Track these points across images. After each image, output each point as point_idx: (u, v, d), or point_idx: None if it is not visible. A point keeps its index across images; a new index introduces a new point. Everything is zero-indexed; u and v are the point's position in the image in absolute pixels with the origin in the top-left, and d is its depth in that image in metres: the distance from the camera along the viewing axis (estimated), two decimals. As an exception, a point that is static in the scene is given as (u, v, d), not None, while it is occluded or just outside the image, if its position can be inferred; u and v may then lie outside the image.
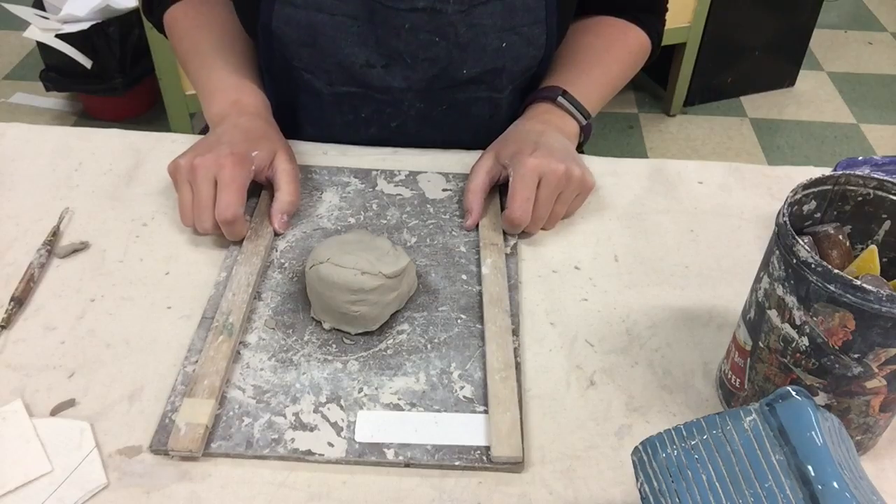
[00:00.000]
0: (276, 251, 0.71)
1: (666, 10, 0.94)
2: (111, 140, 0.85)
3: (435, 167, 0.81)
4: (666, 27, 0.94)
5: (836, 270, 0.46)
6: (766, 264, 0.53)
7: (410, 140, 0.85)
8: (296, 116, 0.88)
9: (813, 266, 0.47)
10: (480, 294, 0.67)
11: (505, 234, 0.73)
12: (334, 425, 0.57)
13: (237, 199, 0.69)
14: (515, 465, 0.54)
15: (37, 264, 0.68)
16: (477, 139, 0.83)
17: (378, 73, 0.79)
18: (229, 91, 0.79)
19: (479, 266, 0.70)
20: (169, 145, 0.84)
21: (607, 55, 0.86)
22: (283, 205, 0.73)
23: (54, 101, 2.34)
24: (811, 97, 2.54)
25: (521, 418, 0.56)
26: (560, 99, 0.79)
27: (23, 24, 2.06)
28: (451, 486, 0.54)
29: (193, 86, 0.83)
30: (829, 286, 0.47)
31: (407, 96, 0.82)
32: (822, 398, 0.51)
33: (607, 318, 0.66)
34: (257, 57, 0.85)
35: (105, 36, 2.07)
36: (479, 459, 0.55)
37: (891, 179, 0.53)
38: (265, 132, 0.76)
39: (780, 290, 0.50)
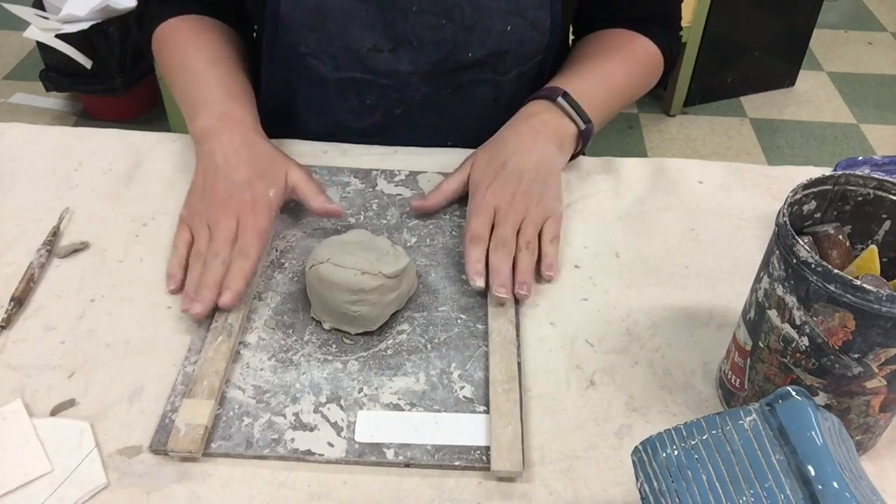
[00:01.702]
0: (276, 251, 0.71)
1: (680, 26, 0.92)
2: (111, 140, 0.84)
3: (435, 167, 0.81)
4: (665, 27, 0.93)
5: (836, 270, 0.46)
6: (766, 264, 0.53)
7: (415, 127, 0.86)
8: (298, 108, 0.88)
9: (813, 266, 0.47)
10: (481, 294, 0.67)
11: None
12: (334, 425, 0.57)
13: (246, 277, 0.65)
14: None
15: (37, 264, 0.68)
16: (480, 124, 0.83)
17: (385, 57, 0.80)
18: (216, 104, 0.76)
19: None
20: (169, 145, 0.84)
21: (611, 62, 0.85)
22: (325, 204, 0.72)
23: (54, 101, 2.34)
24: (811, 97, 2.54)
25: (521, 431, 0.56)
26: (560, 99, 0.78)
27: (23, 24, 2.06)
28: (451, 486, 0.54)
29: (179, 101, 0.80)
30: (829, 286, 0.47)
31: (412, 80, 0.82)
32: (822, 398, 0.51)
33: (607, 318, 0.66)
34: (250, 75, 0.84)
35: (105, 36, 2.07)
36: (479, 459, 0.55)
37: (891, 179, 0.53)
38: (266, 152, 0.74)
39: (780, 290, 0.50)
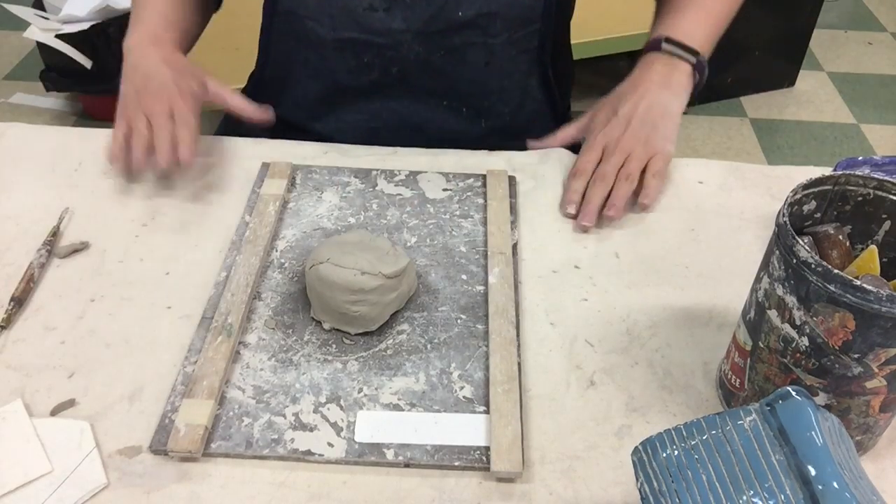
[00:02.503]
0: (276, 251, 0.71)
1: None
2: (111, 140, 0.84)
3: (435, 167, 0.81)
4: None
5: (836, 270, 0.46)
6: (766, 264, 0.53)
7: (411, 87, 0.88)
8: (297, 73, 0.90)
9: (813, 266, 0.47)
10: (481, 294, 0.67)
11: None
12: (334, 425, 0.57)
13: (194, 137, 0.76)
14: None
15: (37, 264, 0.68)
16: (474, 88, 0.88)
17: (380, 16, 0.83)
18: (151, 26, 0.84)
19: (479, 266, 0.70)
20: (169, 145, 0.84)
21: None
22: (242, 102, 0.83)
23: (54, 101, 2.34)
24: (811, 97, 2.54)
25: (521, 432, 0.56)
26: (664, 45, 0.83)
27: (23, 24, 2.06)
28: (451, 486, 0.54)
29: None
30: (829, 286, 0.47)
31: (406, 38, 0.84)
32: (822, 398, 0.51)
33: (607, 318, 0.66)
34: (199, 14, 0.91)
35: (105, 36, 2.07)
36: (479, 460, 0.55)
37: (891, 179, 0.53)
38: (186, 63, 0.82)
39: (780, 290, 0.50)
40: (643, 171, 0.78)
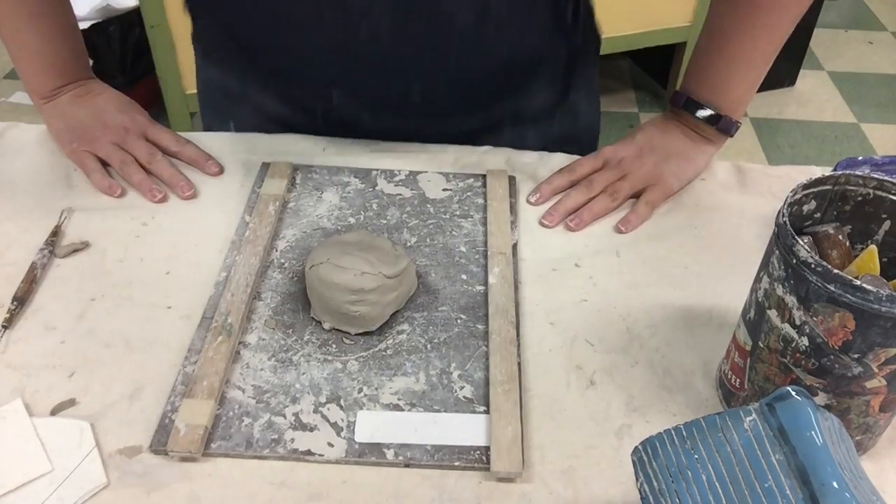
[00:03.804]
0: (276, 251, 0.71)
1: None
2: (111, 140, 0.84)
3: (435, 167, 0.81)
4: (666, 27, 0.91)
5: (836, 270, 0.46)
6: (766, 264, 0.53)
7: (384, 54, 0.74)
8: (254, 45, 0.80)
9: (813, 266, 0.47)
10: (481, 294, 0.67)
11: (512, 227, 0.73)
12: (334, 425, 0.57)
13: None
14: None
15: (39, 264, 0.68)
16: (466, 48, 0.75)
17: None
18: (51, 57, 0.79)
19: (479, 266, 0.70)
20: (169, 145, 0.84)
21: (746, 37, 0.74)
22: (196, 152, 0.79)
23: (54, 100, 2.34)
24: (811, 97, 2.54)
25: (521, 431, 0.56)
26: (685, 112, 0.78)
27: (23, 24, 2.05)
28: (451, 486, 0.54)
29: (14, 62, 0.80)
30: (829, 286, 0.47)
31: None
32: (822, 398, 0.51)
33: (607, 318, 0.66)
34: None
35: (105, 36, 2.07)
36: (479, 459, 0.55)
37: (891, 179, 0.53)
38: (124, 103, 0.81)
39: (780, 290, 0.50)
40: (636, 196, 0.74)
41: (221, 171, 0.79)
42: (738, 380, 0.57)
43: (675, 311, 0.67)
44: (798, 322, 0.50)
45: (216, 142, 0.83)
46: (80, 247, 0.71)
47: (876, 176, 0.54)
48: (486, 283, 0.68)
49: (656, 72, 2.43)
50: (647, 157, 0.76)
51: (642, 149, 0.77)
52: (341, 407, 0.58)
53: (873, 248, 0.54)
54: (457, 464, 0.55)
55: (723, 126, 0.77)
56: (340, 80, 0.80)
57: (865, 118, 2.44)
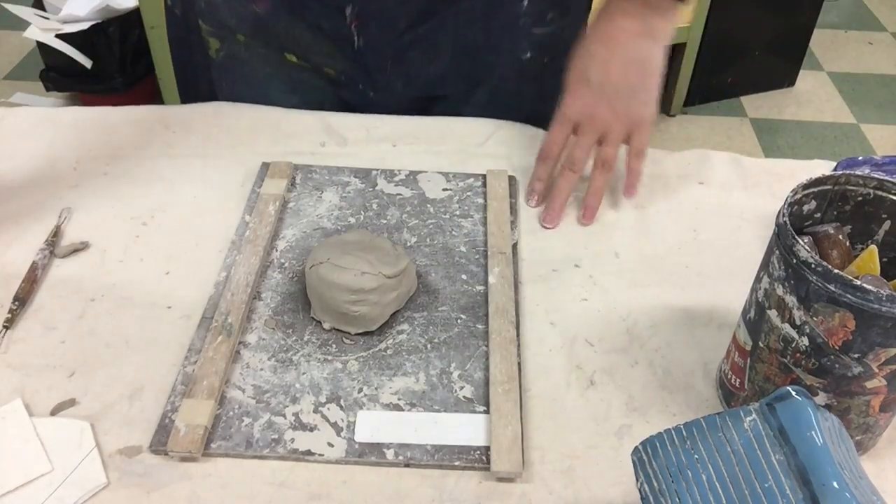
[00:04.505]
0: (276, 251, 0.71)
1: None
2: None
3: (434, 167, 0.81)
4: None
5: (836, 270, 0.46)
6: (766, 264, 0.53)
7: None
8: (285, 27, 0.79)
9: (813, 266, 0.47)
10: (481, 294, 0.67)
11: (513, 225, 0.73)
12: (334, 425, 0.57)
13: None
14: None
15: (40, 264, 0.68)
16: None
17: None
18: None
19: (479, 265, 0.70)
20: (169, 145, 0.84)
21: None
22: None
23: (54, 101, 2.34)
24: (811, 97, 2.54)
25: (521, 431, 0.56)
26: None
27: (23, 24, 2.06)
28: (451, 486, 0.54)
29: None
30: (829, 286, 0.47)
31: None
32: (822, 398, 0.51)
33: (607, 318, 0.66)
34: None
35: (105, 36, 2.07)
36: (479, 459, 0.55)
37: (891, 179, 0.53)
38: None
39: (780, 290, 0.50)
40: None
41: None
42: (738, 380, 0.57)
43: (675, 311, 0.67)
44: (798, 322, 0.50)
45: (215, 142, 0.83)
46: (80, 247, 0.71)
47: (876, 176, 0.54)
48: (486, 283, 0.68)
49: (656, 72, 2.43)
50: (614, 100, 0.68)
51: (603, 88, 0.69)
52: (341, 407, 0.58)
53: (873, 248, 0.54)
54: (457, 464, 0.55)
55: None
56: None
57: (865, 119, 2.44)
